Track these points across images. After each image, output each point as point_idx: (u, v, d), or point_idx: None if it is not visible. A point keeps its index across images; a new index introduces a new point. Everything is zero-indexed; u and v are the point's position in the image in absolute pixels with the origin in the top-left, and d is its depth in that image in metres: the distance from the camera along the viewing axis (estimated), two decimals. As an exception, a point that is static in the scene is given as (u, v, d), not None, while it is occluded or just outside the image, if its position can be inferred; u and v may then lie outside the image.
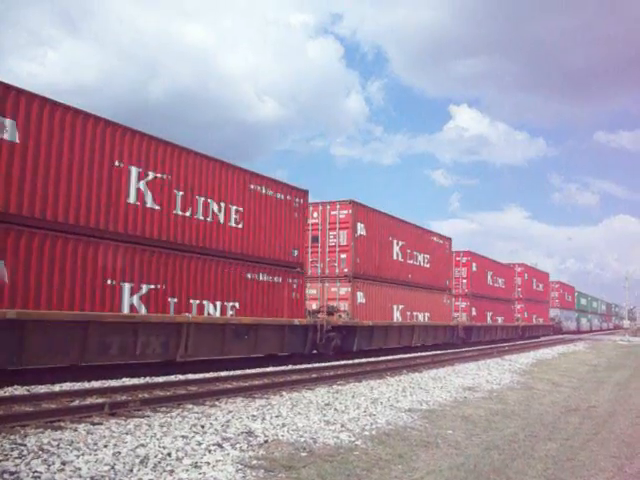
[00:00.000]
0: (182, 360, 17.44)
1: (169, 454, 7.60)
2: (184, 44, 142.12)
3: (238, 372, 17.31)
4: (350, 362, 22.43)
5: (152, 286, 16.56)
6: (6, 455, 7.09)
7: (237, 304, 19.65)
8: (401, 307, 30.52)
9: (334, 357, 24.14)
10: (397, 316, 30.12)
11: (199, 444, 8.22)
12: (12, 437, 8.15)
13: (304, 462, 7.72)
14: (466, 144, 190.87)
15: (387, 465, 7.89)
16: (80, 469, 6.70)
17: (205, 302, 18.37)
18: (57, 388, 13.00)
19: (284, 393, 13.65)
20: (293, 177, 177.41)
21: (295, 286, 22.60)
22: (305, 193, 23.56)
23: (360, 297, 26.65)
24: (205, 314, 18.33)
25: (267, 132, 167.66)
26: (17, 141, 13.67)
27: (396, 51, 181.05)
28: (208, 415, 10.47)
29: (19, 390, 12.49)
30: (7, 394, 11.87)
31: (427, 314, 33.69)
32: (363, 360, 23.75)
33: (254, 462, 7.54)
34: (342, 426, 10.12)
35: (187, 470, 7.00)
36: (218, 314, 18.84)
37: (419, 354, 28.83)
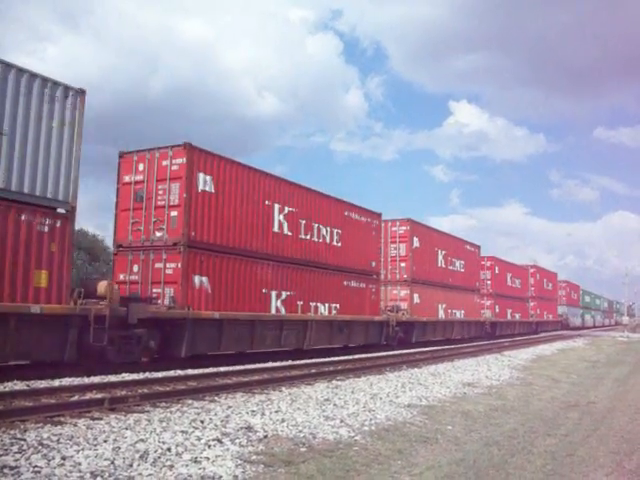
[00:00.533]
0: (308, 348, 23.46)
1: (169, 449, 7.61)
2: (184, 39, 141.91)
3: (238, 367, 17.31)
4: (350, 358, 22.50)
5: (289, 292, 22.45)
6: (6, 450, 7.10)
7: (338, 305, 25.64)
8: (444, 306, 36.72)
9: (397, 347, 29.40)
10: (441, 314, 36.40)
11: (199, 439, 8.23)
12: (12, 432, 8.17)
13: (303, 457, 7.74)
14: (466, 140, 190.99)
15: (386, 460, 7.90)
16: (80, 464, 6.71)
17: (319, 304, 24.42)
18: (57, 383, 13.01)
19: (283, 388, 13.66)
20: (293, 173, 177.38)
21: (374, 290, 28.90)
22: (379, 215, 30.07)
23: (416, 298, 32.93)
24: (319, 313, 24.30)
25: (267, 127, 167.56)
26: (213, 191, 19.14)
27: (395, 47, 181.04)
28: (208, 410, 10.47)
29: (19, 385, 12.50)
30: (7, 389, 11.89)
31: (462, 311, 39.91)
32: (363, 355, 23.87)
33: (254, 457, 7.55)
34: (341, 421, 10.13)
35: (187, 465, 7.00)
36: (326, 313, 24.85)
37: (454, 346, 32.68)
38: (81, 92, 15.53)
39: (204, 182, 18.86)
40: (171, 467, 6.88)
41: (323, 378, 15.76)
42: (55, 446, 7.44)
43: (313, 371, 17.24)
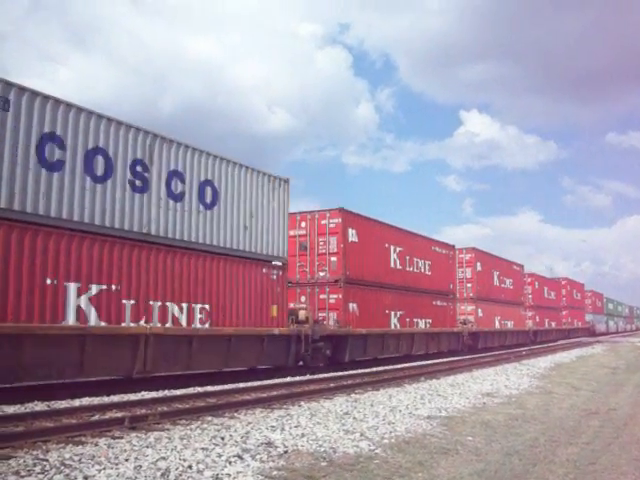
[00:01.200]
0: (414, 354, 30.57)
1: (190, 466, 7.63)
2: (192, 58, 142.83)
3: (256, 383, 17.33)
4: (368, 370, 22.48)
5: (401, 312, 29.35)
6: (29, 471, 7.15)
7: (430, 320, 32.64)
8: (499, 318, 43.26)
9: (467, 352, 35.98)
10: (497, 325, 42.81)
11: (219, 456, 8.25)
12: (34, 452, 8.22)
13: (324, 472, 7.73)
14: (477, 149, 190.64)
15: (407, 473, 7.88)
16: (102, 483, 6.75)
17: (418, 319, 31.33)
18: (77, 403, 13.06)
19: (302, 403, 13.66)
20: (306, 188, 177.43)
21: (452, 307, 36.28)
22: (453, 247, 37.46)
23: (480, 312, 40.37)
24: (419, 327, 31.42)
25: (278, 143, 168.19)
26: (357, 241, 26.05)
27: (404, 58, 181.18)
28: (227, 427, 10.49)
29: (39, 406, 12.56)
30: (27, 410, 11.95)
31: (512, 322, 46.84)
32: (381, 368, 23.81)
33: (274, 473, 7.56)
34: (361, 435, 10.12)
35: (208, 482, 7.03)
36: (423, 327, 31.92)
37: (510, 351, 37.24)
38: (287, 181, 22.31)
39: (352, 235, 25.85)
40: (193, 484, 6.90)
41: (342, 392, 15.74)
42: (77, 466, 7.48)
43: (332, 385, 17.21)
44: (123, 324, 15.54)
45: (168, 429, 10.27)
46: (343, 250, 25.04)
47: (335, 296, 24.96)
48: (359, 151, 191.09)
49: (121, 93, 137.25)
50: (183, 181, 18.05)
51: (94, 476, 7.04)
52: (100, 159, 15.70)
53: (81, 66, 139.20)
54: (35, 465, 7.44)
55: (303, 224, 26.06)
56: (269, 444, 9.10)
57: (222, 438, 9.44)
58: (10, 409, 12.03)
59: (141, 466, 7.56)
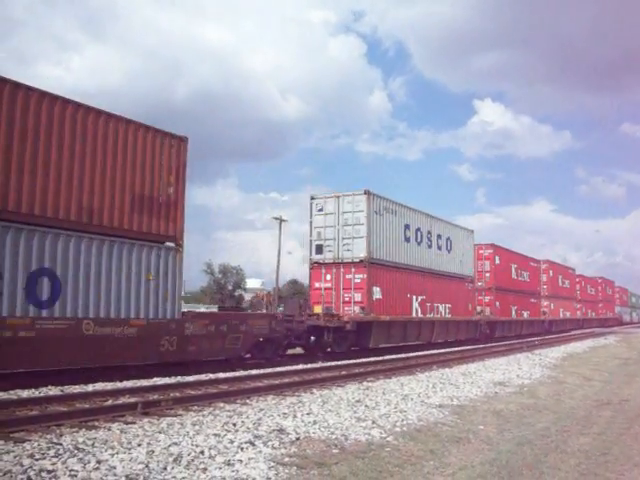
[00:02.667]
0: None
1: (202, 452, 7.67)
2: (206, 45, 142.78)
3: (269, 370, 17.39)
4: (380, 358, 22.51)
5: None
6: (43, 454, 7.20)
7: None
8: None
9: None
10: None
11: (231, 442, 8.28)
12: (48, 436, 8.29)
13: (336, 459, 7.75)
14: (491, 138, 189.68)
15: (419, 461, 7.89)
16: (115, 467, 6.79)
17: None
18: (90, 388, 13.15)
19: (315, 390, 13.69)
20: (319, 175, 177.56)
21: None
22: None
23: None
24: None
25: (291, 130, 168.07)
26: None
27: (418, 46, 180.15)
28: (240, 413, 10.53)
29: (53, 390, 12.66)
30: (42, 394, 12.04)
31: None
32: (393, 356, 23.84)
33: (286, 459, 7.58)
34: (373, 422, 10.13)
35: (220, 468, 7.05)
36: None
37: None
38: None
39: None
40: (205, 470, 6.93)
41: (354, 380, 15.77)
42: (90, 450, 7.53)
43: (343, 373, 17.24)
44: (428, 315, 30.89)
45: (180, 415, 10.32)
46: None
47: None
48: (372, 139, 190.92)
49: (135, 80, 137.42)
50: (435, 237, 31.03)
51: (107, 460, 7.08)
52: (419, 233, 30.92)
53: (96, 54, 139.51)
54: (49, 449, 7.49)
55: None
56: (281, 431, 9.13)
57: (234, 424, 9.48)
58: (24, 393, 12.14)
59: (153, 451, 7.60)
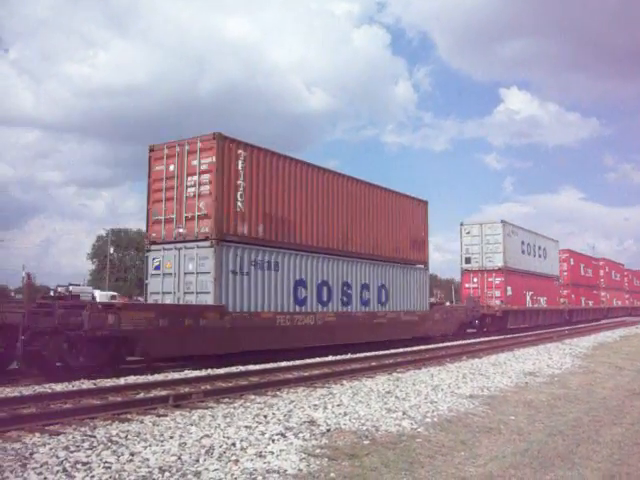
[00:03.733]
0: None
1: (233, 444, 7.72)
2: (230, 39, 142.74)
3: (298, 362, 17.44)
4: (409, 349, 22.51)
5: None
6: (78, 446, 7.31)
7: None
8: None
9: None
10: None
11: (262, 434, 8.33)
12: (82, 429, 8.40)
13: (367, 450, 7.77)
14: (517, 127, 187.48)
15: (450, 452, 7.88)
16: (148, 459, 6.87)
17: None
18: (122, 381, 13.27)
19: (345, 382, 13.72)
20: (345, 167, 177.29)
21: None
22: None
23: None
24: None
25: (317, 122, 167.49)
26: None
27: (442, 36, 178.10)
28: (270, 405, 10.59)
29: (86, 384, 12.80)
30: (75, 388, 12.19)
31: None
32: (422, 347, 23.84)
33: (317, 451, 7.61)
34: (404, 413, 10.14)
35: (252, 460, 7.10)
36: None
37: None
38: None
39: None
40: (236, 462, 6.98)
41: (383, 370, 15.78)
42: (124, 442, 7.63)
43: (373, 364, 17.26)
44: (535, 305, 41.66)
45: (212, 407, 10.40)
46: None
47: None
48: (398, 130, 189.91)
49: (160, 75, 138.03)
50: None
51: (140, 452, 7.16)
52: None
53: (121, 50, 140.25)
54: (83, 441, 7.60)
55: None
56: (312, 422, 9.16)
57: (265, 416, 9.53)
58: (58, 387, 12.30)
59: (186, 443, 7.67)
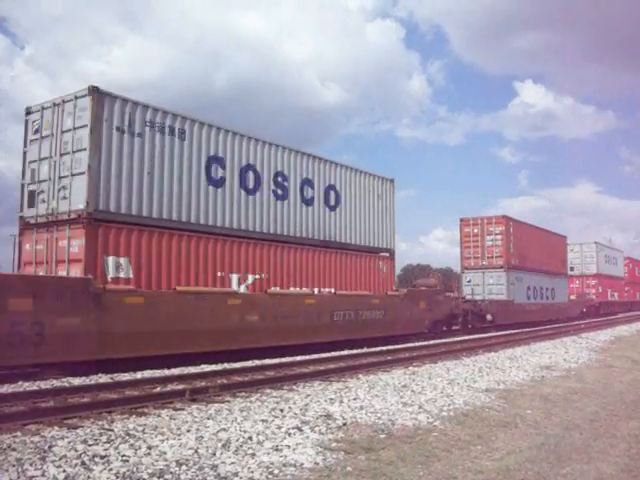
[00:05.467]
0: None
1: (250, 438, 7.75)
2: (244, 34, 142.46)
3: (314, 356, 17.47)
4: (425, 343, 22.52)
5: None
6: (96, 440, 7.36)
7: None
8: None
9: None
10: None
11: (279, 428, 8.36)
12: (100, 423, 8.47)
13: (383, 444, 7.78)
14: (532, 120, 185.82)
15: (466, 446, 7.88)
16: (165, 453, 6.91)
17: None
18: (139, 375, 13.36)
19: (360, 376, 13.73)
20: (360, 161, 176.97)
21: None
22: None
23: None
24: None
25: (332, 117, 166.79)
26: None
27: (455, 29, 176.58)
28: (286, 399, 10.62)
29: (103, 378, 12.89)
30: (92, 382, 12.28)
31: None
32: (438, 341, 23.81)
33: (333, 445, 7.62)
34: (420, 407, 10.14)
35: (268, 453, 7.12)
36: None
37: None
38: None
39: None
40: (253, 455, 7.01)
41: (399, 364, 15.79)
42: (141, 436, 7.68)
43: (389, 358, 17.27)
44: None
45: (228, 401, 10.45)
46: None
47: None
48: (413, 124, 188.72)
49: (175, 71, 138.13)
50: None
51: (157, 446, 7.20)
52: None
53: (136, 46, 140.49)
54: (101, 435, 7.66)
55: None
56: (328, 416, 9.18)
57: (281, 410, 9.56)
58: (76, 381, 12.40)
59: (202, 437, 7.71)
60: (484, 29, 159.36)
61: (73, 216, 15.04)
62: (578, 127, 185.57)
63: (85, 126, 15.08)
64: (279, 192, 20.43)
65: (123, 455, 6.74)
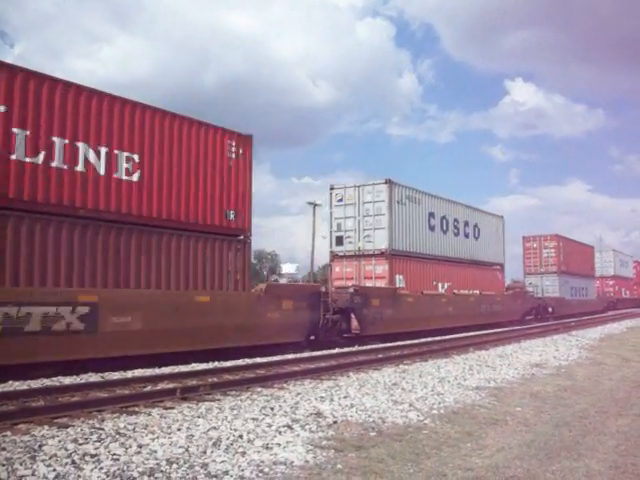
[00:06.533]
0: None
1: (240, 436, 7.76)
2: (234, 32, 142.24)
3: (305, 355, 17.49)
4: (417, 341, 22.57)
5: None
6: (86, 439, 7.36)
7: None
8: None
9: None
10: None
11: (269, 426, 8.37)
12: (90, 422, 8.46)
13: (373, 442, 7.80)
14: (523, 118, 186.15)
15: (456, 443, 7.91)
16: (156, 451, 6.91)
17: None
18: (129, 374, 13.34)
19: (351, 374, 13.75)
20: (350, 160, 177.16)
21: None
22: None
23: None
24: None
25: (322, 116, 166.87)
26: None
27: (445, 28, 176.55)
28: (277, 397, 10.63)
29: (93, 377, 12.87)
30: (83, 381, 12.26)
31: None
32: (429, 339, 23.88)
33: (324, 443, 7.64)
34: (410, 405, 10.17)
35: (259, 451, 7.14)
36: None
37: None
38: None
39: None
40: (243, 453, 7.02)
41: (390, 363, 15.81)
42: (131, 435, 7.68)
43: (380, 356, 17.29)
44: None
45: (219, 400, 10.45)
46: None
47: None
48: (403, 122, 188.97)
49: (165, 69, 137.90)
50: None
51: (148, 445, 7.20)
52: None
53: (125, 44, 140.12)
54: (92, 433, 7.65)
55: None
56: (318, 414, 9.20)
57: (272, 408, 9.58)
58: (66, 380, 12.37)
59: (193, 435, 7.72)
60: (474, 28, 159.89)
61: (377, 252, 26.66)
62: (569, 125, 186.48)
63: (382, 201, 26.65)
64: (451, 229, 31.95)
65: (114, 454, 6.74)
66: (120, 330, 14.41)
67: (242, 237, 18.89)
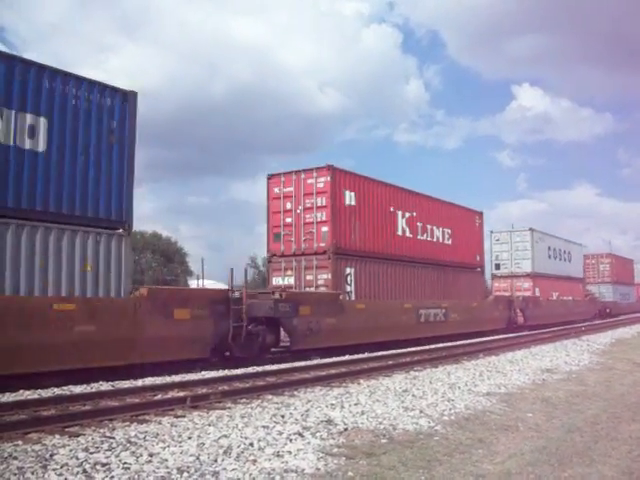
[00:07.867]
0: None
1: (251, 444, 7.75)
2: (240, 41, 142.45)
3: (314, 362, 17.47)
4: (426, 348, 22.52)
5: None
6: (97, 447, 7.37)
7: None
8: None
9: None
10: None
11: (280, 434, 8.35)
12: (101, 430, 8.47)
13: (384, 449, 7.77)
14: (530, 123, 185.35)
15: (468, 450, 7.87)
16: (167, 460, 6.91)
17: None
18: (140, 383, 13.35)
19: (362, 381, 13.72)
20: (359, 166, 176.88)
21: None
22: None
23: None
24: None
25: (330, 123, 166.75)
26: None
27: (452, 34, 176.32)
28: (287, 405, 10.61)
29: (104, 386, 12.88)
30: (93, 390, 12.28)
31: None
32: (440, 345, 23.81)
33: (335, 450, 7.62)
34: (421, 412, 10.13)
35: (270, 459, 7.12)
36: None
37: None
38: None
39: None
40: (254, 462, 7.01)
41: (400, 369, 15.78)
42: (142, 443, 7.68)
43: (390, 362, 17.26)
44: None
45: (229, 408, 10.44)
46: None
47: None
48: (410, 129, 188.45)
49: (173, 79, 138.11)
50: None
51: (159, 453, 7.20)
52: None
53: (133, 55, 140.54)
54: (102, 442, 7.66)
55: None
56: (329, 422, 9.18)
57: (282, 416, 9.56)
58: (77, 389, 12.39)
59: (204, 444, 7.71)
60: (480, 33, 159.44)
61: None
62: (576, 130, 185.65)
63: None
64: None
65: (124, 462, 6.74)
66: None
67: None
